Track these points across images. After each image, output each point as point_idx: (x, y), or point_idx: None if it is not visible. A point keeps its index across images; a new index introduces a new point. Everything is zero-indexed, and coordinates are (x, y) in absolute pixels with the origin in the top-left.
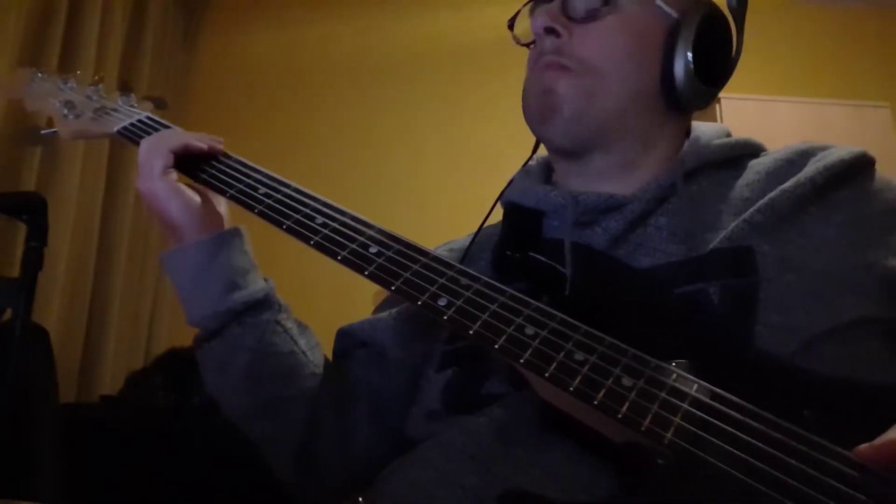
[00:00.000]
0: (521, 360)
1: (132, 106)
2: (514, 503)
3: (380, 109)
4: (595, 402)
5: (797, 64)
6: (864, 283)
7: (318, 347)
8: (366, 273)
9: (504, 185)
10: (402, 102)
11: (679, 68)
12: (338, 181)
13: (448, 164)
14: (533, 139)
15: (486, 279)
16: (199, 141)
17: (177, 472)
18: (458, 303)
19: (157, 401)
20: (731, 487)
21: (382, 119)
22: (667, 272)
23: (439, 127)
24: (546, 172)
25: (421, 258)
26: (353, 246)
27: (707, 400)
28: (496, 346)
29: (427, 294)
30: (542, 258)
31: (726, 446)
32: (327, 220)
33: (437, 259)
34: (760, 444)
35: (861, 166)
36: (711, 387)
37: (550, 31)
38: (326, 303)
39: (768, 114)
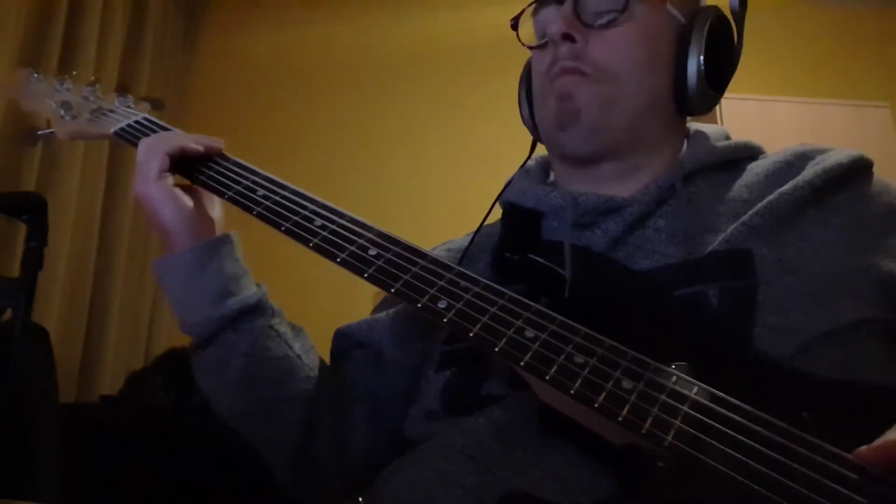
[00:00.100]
0: (522, 363)
1: (129, 107)
2: None
3: (380, 109)
4: (596, 406)
5: (797, 64)
6: (861, 286)
7: (312, 350)
8: (365, 275)
9: (503, 185)
10: (402, 102)
11: (692, 73)
12: (338, 181)
13: (448, 164)
14: (531, 139)
15: (486, 281)
16: (197, 142)
17: (177, 472)
18: (458, 305)
19: (157, 401)
20: (731, 490)
21: (382, 119)
22: (666, 274)
23: (439, 127)
24: (545, 173)
25: (420, 260)
26: (353, 248)
27: (707, 402)
28: (496, 349)
29: (427, 296)
30: (542, 260)
31: (726, 449)
32: (326, 222)
33: (436, 261)
34: (760, 447)
35: (859, 169)
36: (711, 389)
37: (567, 36)
38: (327, 303)
39: (768, 114)
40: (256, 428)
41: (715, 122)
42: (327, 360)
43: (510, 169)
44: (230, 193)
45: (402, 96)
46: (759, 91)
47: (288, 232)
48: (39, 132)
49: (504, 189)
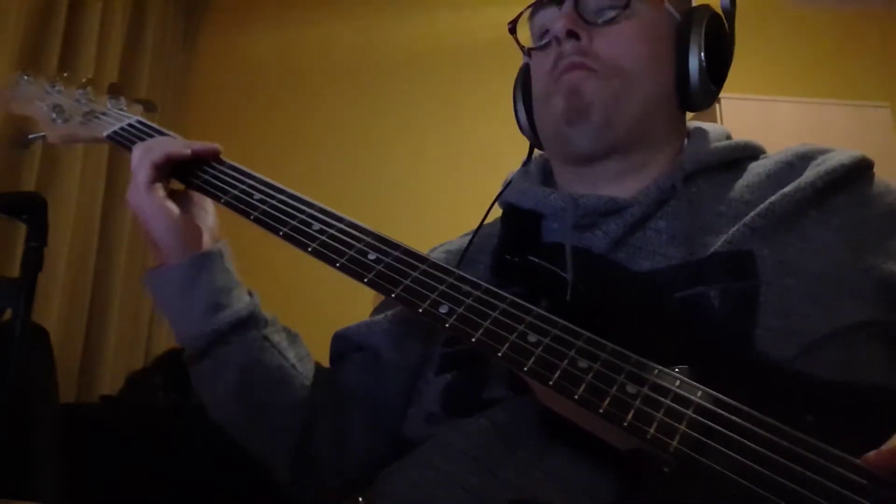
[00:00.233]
0: (525, 369)
1: (122, 109)
2: None
3: (380, 109)
4: (600, 411)
5: (797, 64)
6: (862, 287)
7: (308, 358)
8: (365, 280)
9: (503, 185)
10: (402, 102)
11: (694, 68)
12: (338, 181)
13: (448, 164)
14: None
15: (487, 285)
16: (186, 147)
17: (177, 472)
18: (460, 310)
19: (157, 401)
20: (737, 494)
21: (382, 119)
22: (667, 276)
23: (439, 127)
24: (544, 173)
25: (420, 265)
26: (352, 253)
27: (711, 406)
28: (499, 354)
29: (428, 301)
30: (543, 262)
31: (732, 453)
32: (324, 227)
33: (436, 265)
34: (766, 451)
35: (860, 170)
36: (715, 393)
37: (572, 34)
38: (327, 303)
39: (768, 114)
40: (253, 436)
41: (715, 122)
42: (326, 363)
43: (510, 169)
44: (226, 198)
45: (402, 96)
46: (759, 91)
47: (286, 237)
48: (31, 136)
49: (503, 190)
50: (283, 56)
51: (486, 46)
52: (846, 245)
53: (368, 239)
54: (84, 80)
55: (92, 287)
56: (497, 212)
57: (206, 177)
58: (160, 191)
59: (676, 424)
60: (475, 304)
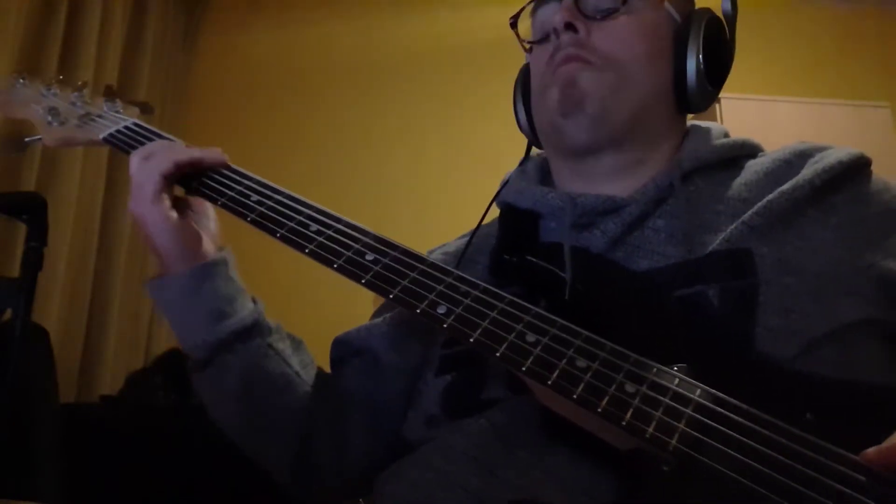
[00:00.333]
0: (523, 369)
1: (118, 112)
2: None
3: (380, 109)
4: (599, 410)
5: (797, 64)
6: (861, 286)
7: (311, 364)
8: (363, 281)
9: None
10: (402, 102)
11: (691, 69)
12: (338, 181)
13: (448, 164)
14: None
15: (485, 285)
16: (192, 158)
17: (177, 472)
18: (458, 310)
19: (157, 401)
20: (737, 493)
21: (382, 119)
22: (665, 275)
23: (439, 127)
24: (542, 173)
25: (418, 265)
26: (349, 254)
27: (710, 405)
28: (497, 354)
29: (426, 302)
30: (541, 262)
31: (731, 451)
32: (322, 228)
33: (434, 265)
34: (766, 449)
35: (858, 168)
36: (714, 391)
37: (570, 26)
38: (327, 304)
39: (768, 114)
40: (255, 442)
41: (715, 121)
42: (326, 365)
43: (510, 169)
44: (223, 199)
45: (402, 96)
46: (759, 91)
47: (283, 238)
48: (27, 139)
49: (500, 190)
50: (283, 56)
51: (486, 46)
52: (845, 243)
53: (366, 240)
54: (80, 82)
55: (92, 287)
56: (495, 212)
57: (204, 179)
58: (167, 201)
59: (675, 423)
60: (473, 305)
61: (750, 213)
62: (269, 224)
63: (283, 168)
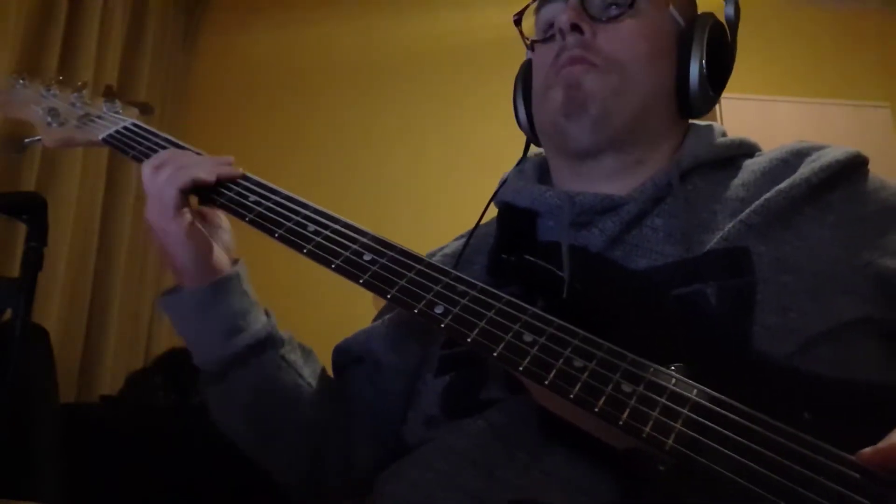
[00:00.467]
0: (521, 368)
1: (117, 112)
2: None
3: (380, 109)
4: (595, 410)
5: (797, 64)
6: (858, 284)
7: (323, 373)
8: (360, 281)
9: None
10: (402, 102)
11: (694, 75)
12: (338, 181)
13: (448, 164)
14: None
15: (482, 285)
16: (210, 174)
17: (177, 472)
18: (455, 310)
19: (157, 401)
20: (733, 492)
21: (382, 119)
22: (663, 273)
23: (439, 127)
24: (540, 172)
25: (415, 265)
26: (347, 254)
27: (707, 404)
28: (494, 354)
29: (423, 302)
30: (539, 261)
31: (728, 451)
32: (320, 228)
33: (431, 265)
34: (762, 449)
35: (855, 167)
36: (711, 391)
37: (576, 27)
38: (327, 305)
39: (768, 114)
40: (266, 455)
41: (715, 121)
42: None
43: (510, 169)
44: (221, 200)
45: (402, 96)
46: (759, 91)
47: (281, 238)
48: (26, 140)
49: (498, 189)
50: (283, 56)
51: (487, 46)
52: (842, 242)
53: (364, 240)
54: (79, 83)
55: (92, 287)
56: (494, 212)
57: (216, 187)
58: (187, 215)
59: (672, 423)
60: (470, 305)
61: (747, 211)
62: (267, 224)
63: (283, 168)
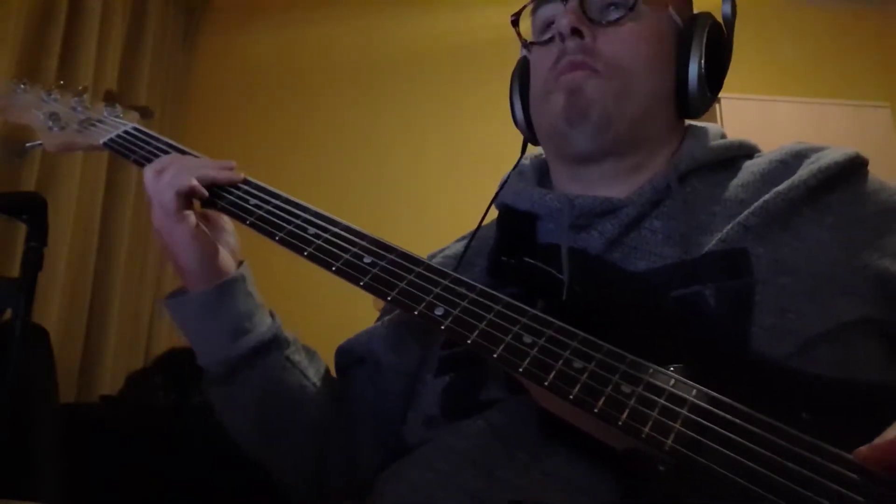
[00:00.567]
0: (520, 370)
1: (118, 116)
2: None
3: (380, 109)
4: (595, 411)
5: (797, 64)
6: (857, 285)
7: (327, 374)
8: (361, 284)
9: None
10: (402, 102)
11: (693, 75)
12: (338, 181)
13: (448, 164)
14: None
15: (482, 287)
16: (206, 179)
17: (177, 472)
18: (455, 312)
19: (157, 401)
20: (732, 492)
21: (382, 119)
22: (662, 275)
23: (439, 127)
24: (539, 174)
25: (415, 267)
26: (347, 257)
27: (706, 405)
28: (494, 356)
29: (423, 304)
30: (539, 264)
31: (727, 451)
32: (320, 231)
33: (431, 268)
34: (761, 449)
35: (854, 168)
36: (710, 391)
37: (576, 31)
38: (327, 307)
39: (768, 114)
40: (271, 457)
41: (715, 121)
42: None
43: (510, 169)
44: (222, 203)
45: (402, 96)
46: (759, 91)
47: (282, 241)
48: (28, 144)
49: (498, 191)
50: (283, 56)
51: (487, 46)
52: (841, 243)
53: (364, 243)
54: (80, 87)
55: (92, 287)
56: (494, 213)
57: (217, 190)
58: (192, 218)
59: (671, 423)
60: (470, 306)
61: (746, 213)
62: (268, 227)
63: (283, 168)
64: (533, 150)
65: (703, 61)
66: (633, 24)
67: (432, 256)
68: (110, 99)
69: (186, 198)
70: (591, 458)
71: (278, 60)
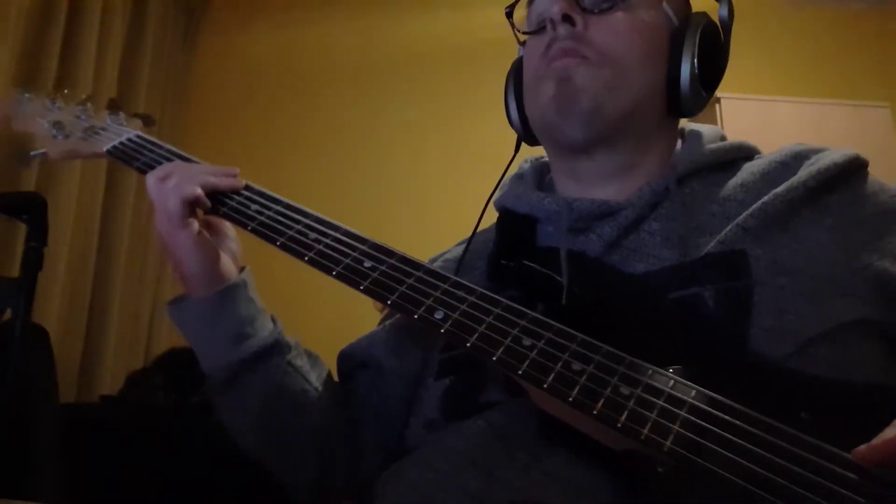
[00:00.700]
0: (520, 372)
1: (121, 124)
2: None
3: (380, 109)
4: (594, 413)
5: (797, 64)
6: (856, 286)
7: (329, 378)
8: (361, 288)
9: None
10: (402, 102)
11: (685, 74)
12: (338, 182)
13: (448, 164)
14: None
15: (482, 290)
16: (209, 185)
17: (177, 472)
18: (455, 315)
19: (157, 401)
20: (731, 493)
21: (382, 119)
22: (661, 277)
23: (439, 127)
24: (539, 177)
25: (415, 272)
26: (348, 261)
27: (704, 406)
28: (494, 359)
29: (423, 307)
30: (538, 267)
31: (725, 452)
32: (320, 236)
33: (431, 272)
34: (759, 450)
35: (854, 169)
36: (709, 392)
37: (567, 18)
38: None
39: (768, 114)
40: (275, 461)
41: (715, 122)
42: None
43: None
44: (224, 209)
45: (402, 96)
46: (759, 91)
47: (283, 247)
48: (32, 153)
49: (493, 194)
50: (283, 56)
51: (486, 46)
52: (840, 244)
53: (364, 247)
54: (84, 96)
55: (92, 287)
56: (493, 217)
57: (220, 196)
58: (194, 224)
59: (670, 425)
60: (470, 310)
61: (744, 214)
62: (269, 233)
63: (283, 168)
64: (528, 150)
65: (695, 59)
66: (626, 14)
67: (433, 260)
68: (114, 107)
69: (191, 206)
70: (590, 459)
71: (278, 60)
